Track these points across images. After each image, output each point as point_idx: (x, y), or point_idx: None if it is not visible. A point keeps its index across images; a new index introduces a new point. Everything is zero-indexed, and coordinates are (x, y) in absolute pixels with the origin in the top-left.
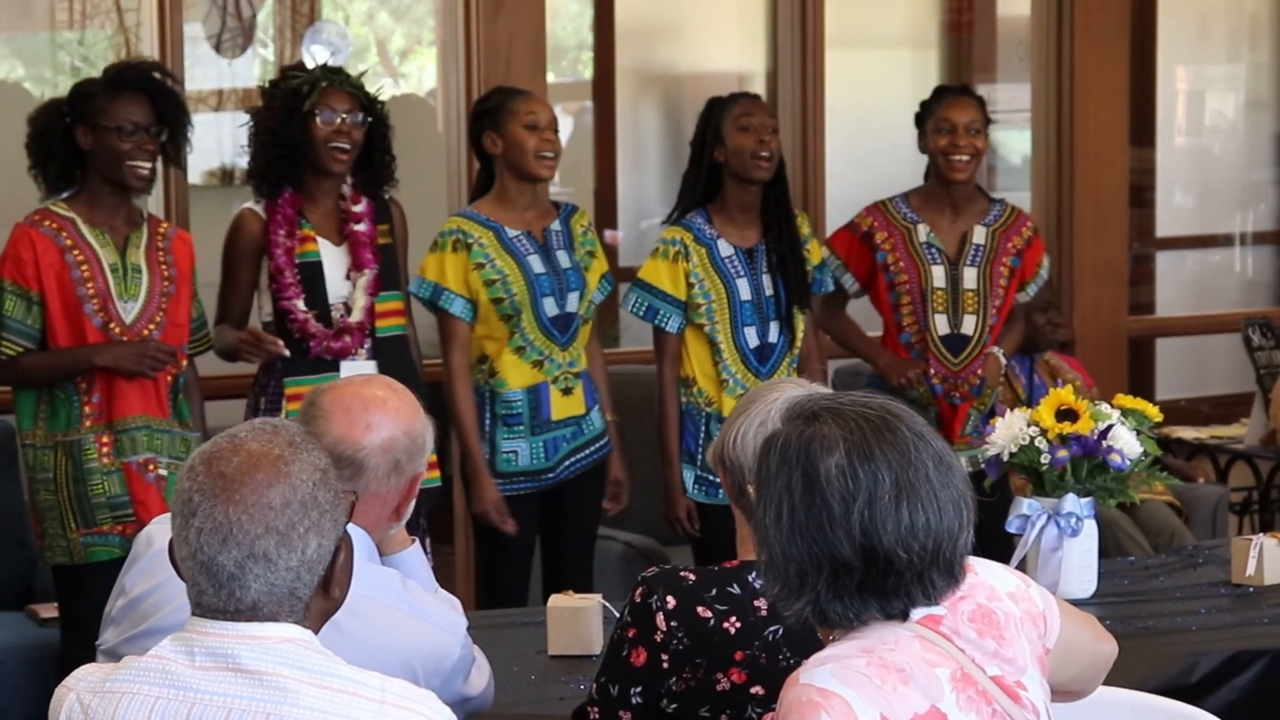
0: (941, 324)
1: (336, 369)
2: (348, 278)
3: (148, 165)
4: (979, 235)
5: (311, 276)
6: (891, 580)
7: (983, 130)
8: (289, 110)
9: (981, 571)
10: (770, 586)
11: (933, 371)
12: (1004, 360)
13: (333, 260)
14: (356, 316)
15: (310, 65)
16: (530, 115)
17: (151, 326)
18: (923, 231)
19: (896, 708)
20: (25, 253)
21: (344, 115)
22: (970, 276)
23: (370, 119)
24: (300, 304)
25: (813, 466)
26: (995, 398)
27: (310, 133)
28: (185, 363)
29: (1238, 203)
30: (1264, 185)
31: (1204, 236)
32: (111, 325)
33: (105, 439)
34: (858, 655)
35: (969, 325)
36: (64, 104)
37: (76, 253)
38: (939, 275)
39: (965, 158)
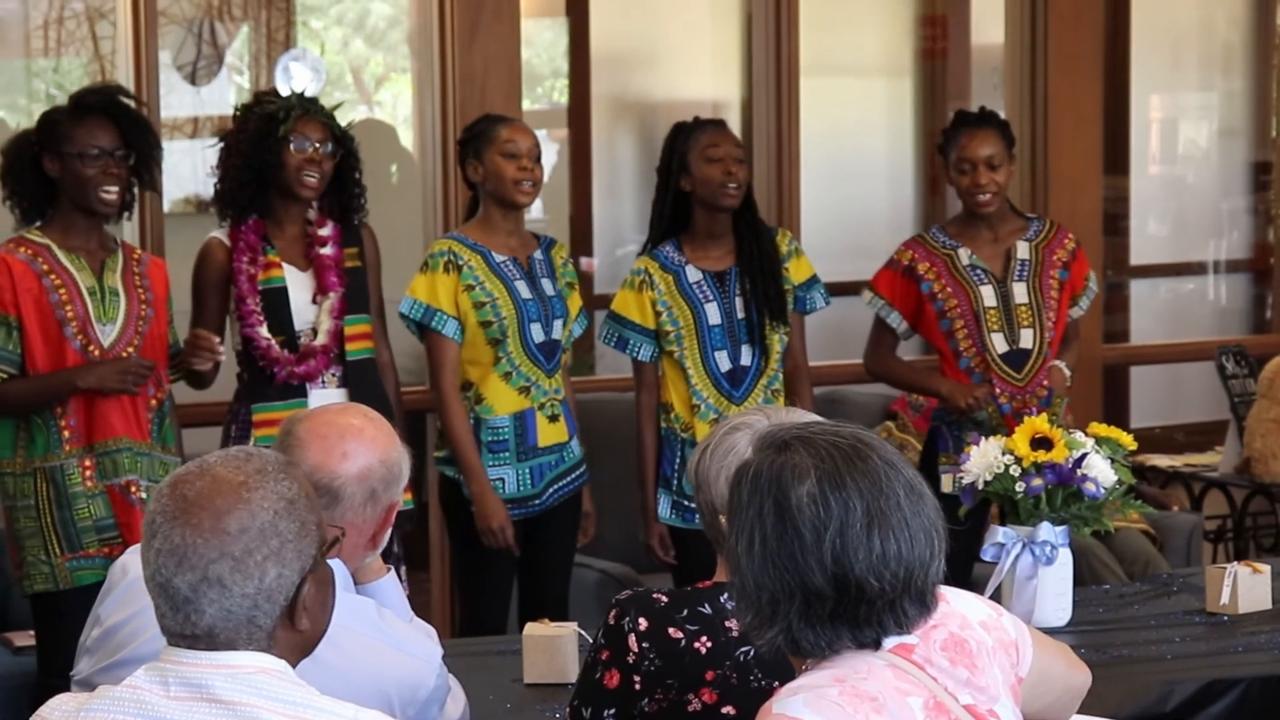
0: (999, 342)
1: (304, 395)
2: (314, 302)
3: (114, 189)
4: (1023, 251)
5: (276, 303)
6: (863, 609)
7: (1005, 161)
8: (262, 134)
9: (953, 600)
10: (743, 615)
11: (999, 391)
12: (1068, 372)
13: (299, 286)
14: (321, 339)
15: (284, 90)
16: (509, 144)
17: (130, 349)
18: (964, 255)
19: None
20: (2, 279)
21: (316, 144)
22: (1020, 291)
23: (342, 151)
24: (263, 330)
25: (784, 495)
26: (1064, 408)
27: (282, 158)
28: (169, 387)
29: (1211, 231)
30: (1238, 213)
31: (1178, 264)
32: (91, 348)
33: (87, 462)
34: (830, 685)
35: (1027, 339)
36: (32, 134)
37: (54, 277)
38: (989, 294)
39: (988, 195)
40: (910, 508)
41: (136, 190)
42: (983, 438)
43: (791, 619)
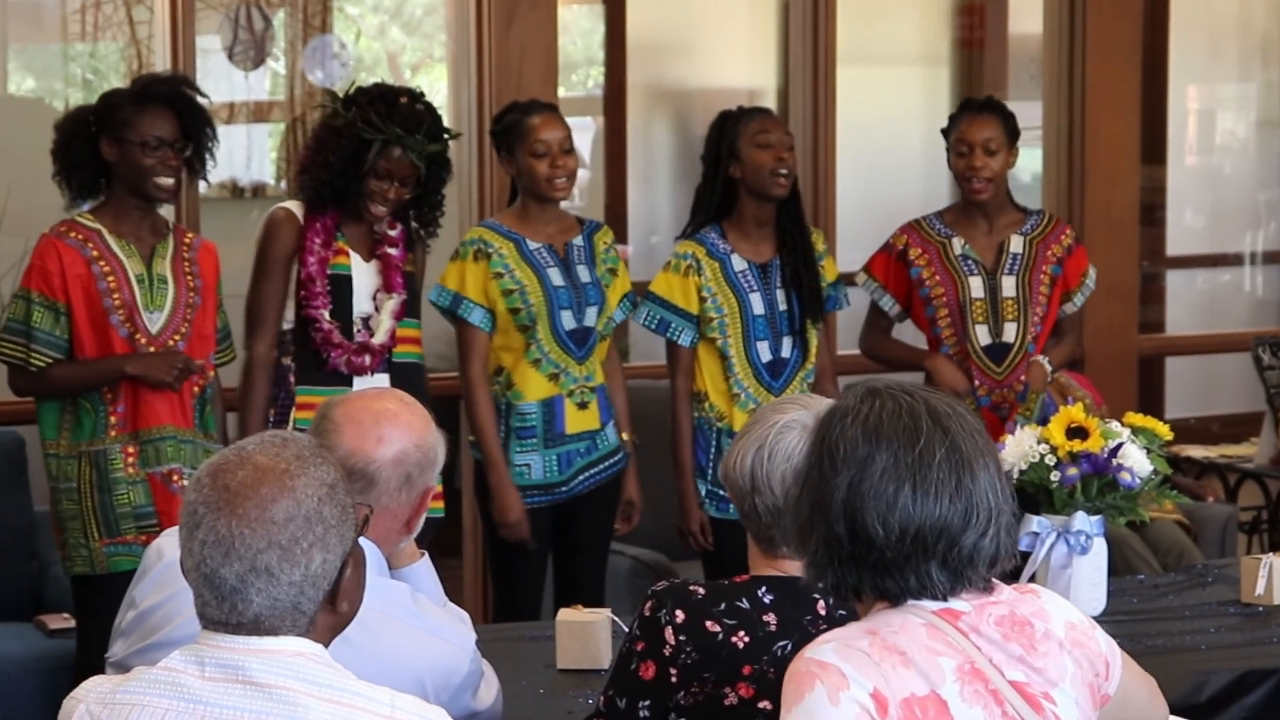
0: (982, 334)
1: (350, 384)
2: (373, 297)
3: (171, 180)
4: (1016, 244)
5: (340, 289)
6: (874, 557)
7: (1003, 148)
8: (355, 160)
9: (1044, 595)
10: (791, 543)
11: (978, 383)
12: (1049, 368)
13: (361, 276)
14: (380, 339)
15: (314, 76)
16: (538, 143)
17: (177, 337)
18: (958, 245)
19: (893, 685)
20: (52, 264)
21: (398, 184)
22: (1009, 285)
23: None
24: (326, 314)
25: (829, 434)
26: (1042, 405)
27: (362, 185)
28: (212, 374)
29: (1248, 222)
30: (1275, 205)
31: (1214, 255)
32: (137, 336)
33: (131, 449)
34: (862, 636)
35: (1010, 333)
36: (90, 113)
37: (103, 264)
38: (976, 286)
39: (983, 179)
40: (947, 474)
41: (185, 177)
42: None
43: (817, 552)
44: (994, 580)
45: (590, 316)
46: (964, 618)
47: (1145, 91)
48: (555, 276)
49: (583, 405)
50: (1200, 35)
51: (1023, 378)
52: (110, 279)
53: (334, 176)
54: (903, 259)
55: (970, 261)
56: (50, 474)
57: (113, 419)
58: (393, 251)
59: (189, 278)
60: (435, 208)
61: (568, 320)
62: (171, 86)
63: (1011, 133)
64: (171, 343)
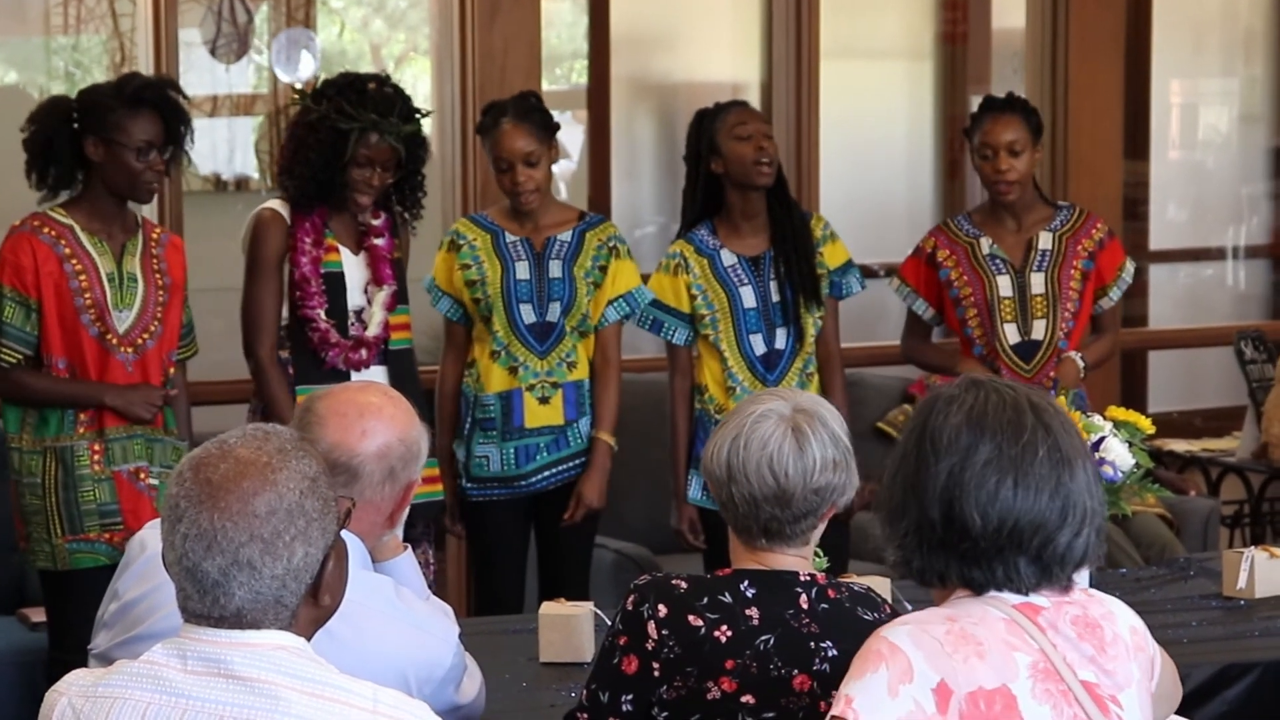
0: (1011, 333)
1: (348, 380)
2: (365, 290)
3: (157, 184)
4: (1045, 241)
5: (334, 287)
6: (967, 545)
7: (1028, 148)
8: (334, 154)
9: (1107, 600)
10: (880, 527)
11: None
12: (1081, 364)
13: (352, 269)
14: (374, 331)
15: (283, 73)
16: (499, 160)
17: (146, 335)
18: (986, 244)
19: (960, 676)
20: (25, 260)
21: (380, 169)
22: (1038, 282)
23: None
24: (322, 313)
25: (931, 420)
26: (1073, 401)
27: (345, 176)
28: (174, 370)
29: (1231, 216)
30: (1257, 199)
31: (1197, 250)
32: (107, 335)
33: (97, 446)
34: (940, 622)
35: (1039, 330)
36: (71, 107)
37: (75, 262)
38: (1005, 285)
39: (1009, 182)
40: (1048, 471)
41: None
42: None
43: (906, 536)
44: (1074, 580)
45: (553, 311)
46: (1043, 613)
47: (1128, 86)
48: (521, 270)
49: (544, 400)
50: (1183, 30)
51: (1052, 374)
52: (82, 278)
53: (316, 172)
54: (932, 262)
55: (998, 260)
56: (14, 468)
57: (82, 416)
58: (379, 242)
59: (158, 275)
60: (416, 189)
61: (528, 313)
62: (160, 91)
63: (1035, 129)
64: (140, 341)
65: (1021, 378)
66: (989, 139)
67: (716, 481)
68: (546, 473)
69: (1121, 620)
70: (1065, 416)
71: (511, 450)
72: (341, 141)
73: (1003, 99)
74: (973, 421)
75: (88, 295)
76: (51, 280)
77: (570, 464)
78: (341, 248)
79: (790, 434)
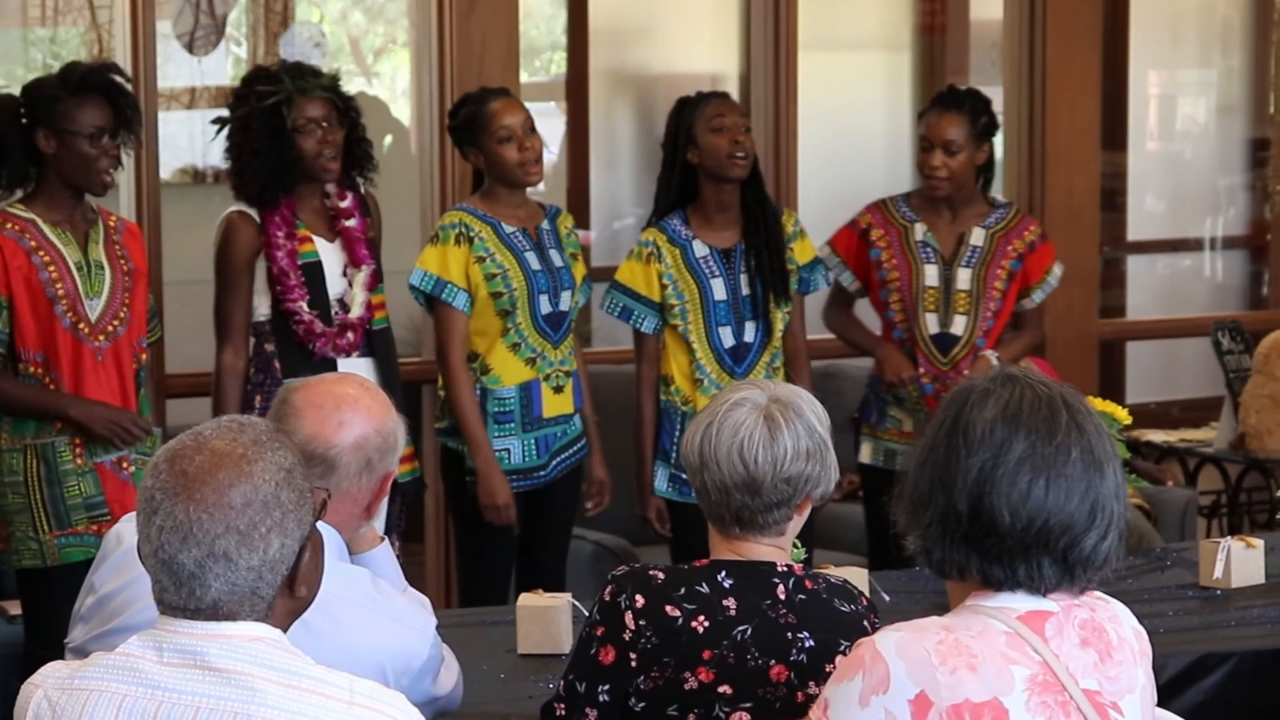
0: (932, 323)
1: (335, 368)
2: (344, 274)
3: (113, 170)
4: (977, 237)
5: (314, 276)
6: (993, 541)
7: (967, 146)
8: (272, 131)
9: (1112, 602)
10: (901, 516)
11: (922, 371)
12: (996, 364)
13: (329, 257)
14: (357, 312)
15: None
16: (501, 128)
17: (116, 322)
18: (919, 230)
19: (944, 689)
20: None
21: (324, 124)
22: (964, 277)
23: (348, 117)
24: (305, 305)
25: (965, 413)
26: None
27: (297, 150)
28: (144, 357)
29: (1208, 207)
30: (1235, 190)
31: (1175, 240)
32: (80, 325)
33: (77, 440)
34: (936, 631)
35: (959, 325)
36: (18, 104)
37: (42, 254)
38: (931, 274)
39: (940, 177)
40: (1080, 472)
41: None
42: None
43: (930, 526)
44: (1092, 582)
45: (564, 300)
46: (1052, 619)
47: (1106, 77)
48: (533, 260)
49: (558, 389)
50: (1161, 21)
51: (966, 371)
52: (52, 269)
53: (267, 162)
54: (865, 238)
55: (929, 249)
56: None
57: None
58: (351, 223)
59: (121, 261)
60: (362, 145)
61: (544, 304)
62: (105, 75)
63: (983, 129)
64: (111, 328)
65: (938, 370)
66: (929, 132)
67: (691, 468)
68: (555, 462)
69: (1125, 623)
70: (1097, 418)
71: (533, 441)
72: (277, 120)
73: (956, 94)
74: (1008, 417)
75: (59, 286)
76: (21, 274)
77: (569, 452)
78: (315, 237)
79: (763, 422)
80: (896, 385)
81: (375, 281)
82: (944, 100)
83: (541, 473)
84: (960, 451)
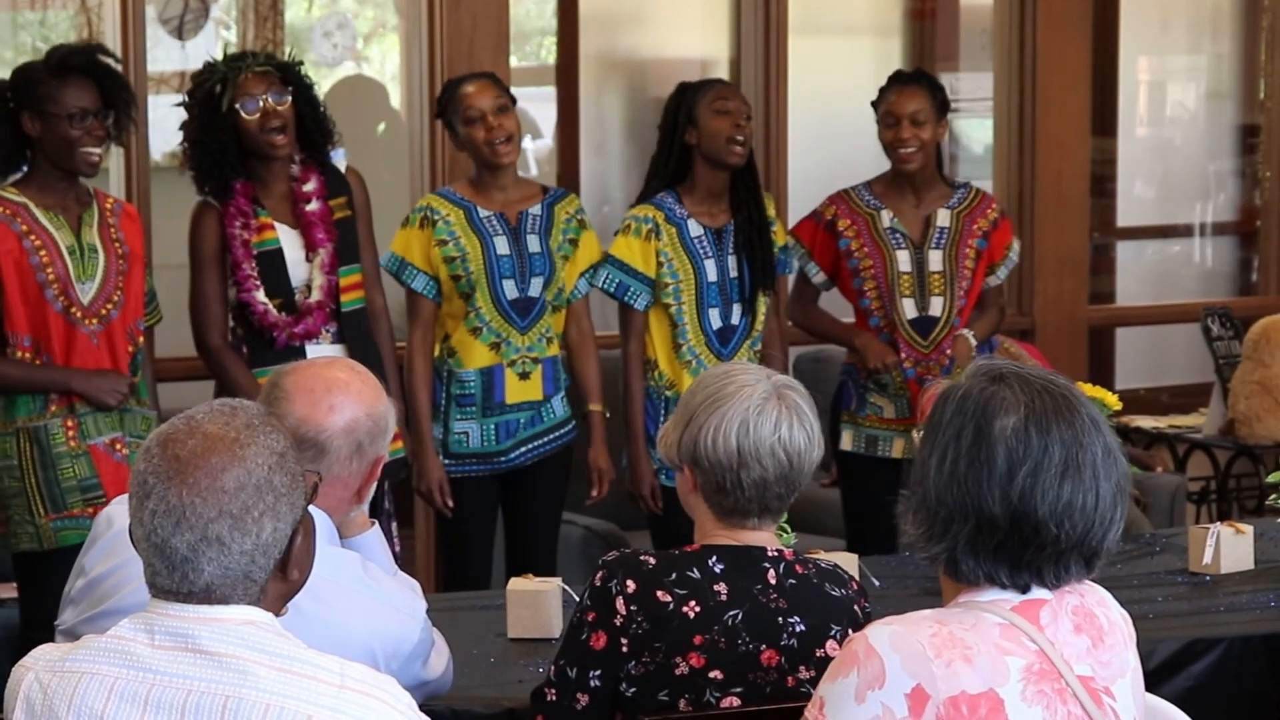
0: (909, 308)
1: (304, 355)
2: (307, 259)
3: (98, 151)
4: (943, 218)
5: (272, 265)
6: (1030, 552)
7: (931, 120)
8: (210, 113)
9: (1096, 587)
10: (916, 526)
11: (904, 355)
12: (974, 342)
13: (292, 244)
14: (316, 296)
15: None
16: (469, 109)
17: (110, 305)
18: (886, 217)
19: (941, 682)
20: None
21: (265, 97)
22: (935, 259)
23: (291, 88)
24: (260, 295)
25: (987, 422)
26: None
27: (240, 127)
28: (141, 339)
29: (1198, 193)
30: (1224, 176)
31: (1164, 227)
32: (72, 309)
33: (70, 422)
34: (929, 625)
35: (936, 307)
36: (6, 89)
37: (34, 238)
38: (904, 260)
39: (911, 149)
40: (1104, 468)
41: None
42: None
43: (959, 540)
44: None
45: (535, 287)
46: (1046, 606)
47: (1096, 63)
48: (500, 245)
49: (524, 375)
50: (1151, 7)
51: (948, 351)
52: (43, 253)
53: (216, 147)
54: (831, 229)
55: (898, 235)
56: None
57: (52, 395)
58: (311, 207)
59: (116, 244)
60: (319, 120)
61: (510, 289)
62: (88, 56)
63: (940, 105)
64: (104, 311)
65: (919, 353)
66: (893, 108)
67: (719, 467)
68: (524, 448)
69: (1113, 606)
70: (1088, 400)
71: (492, 426)
72: (215, 103)
73: (909, 73)
74: (1035, 422)
75: (50, 270)
76: (11, 258)
77: (545, 439)
78: (278, 224)
79: (791, 413)
80: (879, 372)
81: (336, 262)
82: (901, 78)
83: (502, 458)
84: (994, 463)
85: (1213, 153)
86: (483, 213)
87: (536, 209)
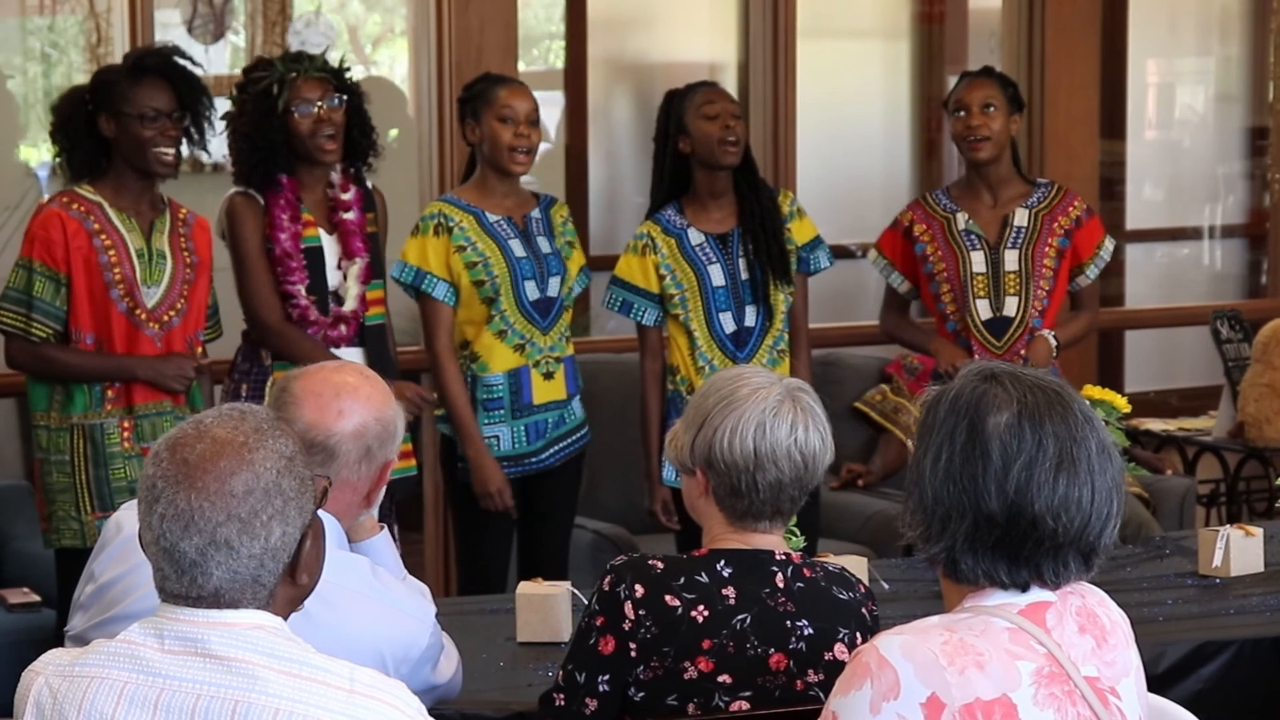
0: (983, 309)
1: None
2: (339, 266)
3: (171, 151)
4: (1020, 218)
5: (314, 262)
6: (1029, 547)
7: (1002, 109)
8: (263, 112)
9: (1094, 588)
10: (914, 527)
11: (978, 357)
12: (1054, 343)
13: (327, 247)
14: (350, 305)
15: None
16: (505, 108)
17: (172, 313)
18: (961, 220)
19: (955, 690)
20: (55, 234)
21: (320, 103)
22: (1011, 259)
23: (345, 96)
24: (303, 290)
25: (980, 419)
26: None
27: (291, 129)
28: (200, 350)
29: (1207, 196)
30: (1233, 178)
31: (1173, 229)
32: (136, 311)
33: (126, 423)
34: (939, 633)
35: (1011, 307)
36: (86, 91)
37: (104, 237)
38: (978, 261)
39: (981, 137)
40: (1099, 464)
41: (185, 149)
42: None
43: (958, 538)
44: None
45: (553, 286)
46: (1051, 609)
47: (1104, 65)
48: (517, 248)
49: (548, 375)
50: (1159, 9)
51: (1023, 352)
52: (111, 253)
53: (261, 144)
54: (909, 236)
55: (973, 236)
56: (40, 445)
57: (109, 393)
58: (349, 216)
59: (185, 253)
60: (366, 132)
61: (531, 291)
62: (164, 58)
63: (1012, 98)
64: (167, 318)
65: (993, 354)
66: (963, 97)
67: (734, 469)
68: (554, 449)
69: (1112, 606)
70: (1081, 398)
71: (523, 428)
72: (268, 101)
73: (984, 70)
74: (1027, 418)
75: (117, 270)
76: (81, 255)
77: (568, 440)
78: (317, 226)
79: (805, 416)
80: (949, 375)
81: (370, 275)
82: (970, 73)
83: (534, 459)
84: (989, 460)
85: (1222, 155)
86: (491, 217)
87: (536, 213)
